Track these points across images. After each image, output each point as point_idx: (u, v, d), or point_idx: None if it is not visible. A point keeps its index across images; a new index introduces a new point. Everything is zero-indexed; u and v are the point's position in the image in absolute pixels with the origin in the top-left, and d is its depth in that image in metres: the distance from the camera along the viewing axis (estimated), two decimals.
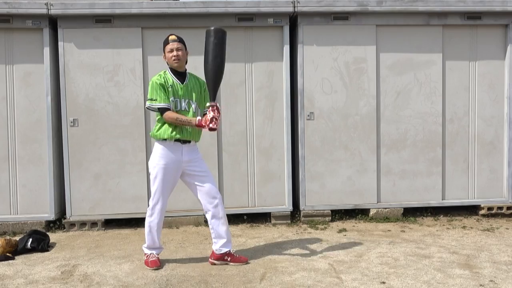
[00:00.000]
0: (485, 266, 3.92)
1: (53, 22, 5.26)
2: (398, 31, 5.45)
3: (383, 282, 3.61)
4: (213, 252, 4.07)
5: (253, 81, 5.41)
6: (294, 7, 5.24)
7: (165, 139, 3.88)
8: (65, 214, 5.33)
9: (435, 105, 5.52)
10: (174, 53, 3.88)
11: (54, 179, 5.28)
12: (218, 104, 3.78)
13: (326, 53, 5.38)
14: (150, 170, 3.96)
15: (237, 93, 5.38)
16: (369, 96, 5.44)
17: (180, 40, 3.95)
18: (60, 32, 5.20)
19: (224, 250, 4.02)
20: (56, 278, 3.84)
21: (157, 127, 3.92)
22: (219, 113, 3.75)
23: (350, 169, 5.46)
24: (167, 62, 3.98)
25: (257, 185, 5.43)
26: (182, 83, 3.94)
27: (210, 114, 3.71)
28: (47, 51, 5.20)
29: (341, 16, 5.35)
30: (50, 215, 5.26)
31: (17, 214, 5.27)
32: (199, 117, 3.80)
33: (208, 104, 3.76)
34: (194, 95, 3.97)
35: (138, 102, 5.28)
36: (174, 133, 3.86)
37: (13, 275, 3.92)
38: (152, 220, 3.99)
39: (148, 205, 4.02)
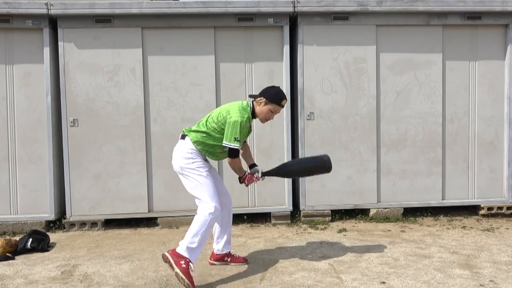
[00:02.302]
0: (485, 266, 3.92)
1: (53, 22, 5.26)
2: (398, 31, 5.45)
3: (383, 282, 3.61)
4: (213, 252, 4.07)
5: (253, 81, 5.41)
6: (294, 7, 5.24)
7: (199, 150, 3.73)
8: (65, 214, 5.33)
9: (435, 105, 5.52)
10: (273, 116, 3.77)
11: (54, 179, 5.28)
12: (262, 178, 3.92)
13: (326, 53, 5.38)
14: (192, 173, 3.67)
15: (237, 93, 5.38)
16: (369, 96, 5.44)
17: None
18: (60, 32, 5.20)
19: (226, 251, 4.03)
20: (56, 278, 3.84)
21: (204, 138, 3.70)
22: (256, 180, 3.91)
23: (350, 169, 5.46)
24: (257, 103, 3.72)
25: (257, 185, 5.42)
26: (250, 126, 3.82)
27: (258, 176, 3.87)
28: (47, 51, 5.20)
29: (341, 16, 5.35)
30: (50, 215, 5.26)
31: (17, 214, 5.27)
32: (247, 173, 3.86)
33: (259, 175, 3.88)
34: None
35: (138, 102, 5.28)
36: (208, 154, 3.77)
37: (13, 275, 3.92)
38: (214, 217, 3.64)
39: (204, 204, 3.65)
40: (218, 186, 3.89)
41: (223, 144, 3.65)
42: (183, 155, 3.70)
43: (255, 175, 3.88)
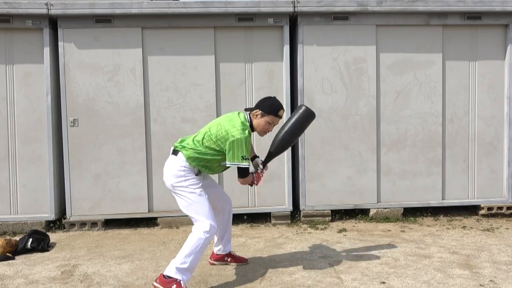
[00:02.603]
0: (485, 266, 3.92)
1: (53, 22, 5.26)
2: (398, 31, 5.45)
3: (383, 282, 3.61)
4: (213, 252, 4.07)
5: (253, 81, 5.41)
6: (294, 7, 5.24)
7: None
8: (65, 214, 5.33)
9: (435, 105, 5.52)
10: (271, 128, 3.60)
11: (54, 179, 5.28)
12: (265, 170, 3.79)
13: (326, 53, 5.38)
14: (184, 191, 3.52)
15: (237, 93, 5.38)
16: (369, 96, 5.44)
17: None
18: (60, 32, 5.20)
19: (226, 251, 4.03)
20: (56, 278, 3.84)
21: (197, 154, 3.53)
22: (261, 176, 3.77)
23: (350, 169, 5.46)
24: (254, 116, 3.57)
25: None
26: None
27: (261, 176, 3.74)
28: (47, 51, 5.20)
29: (341, 16, 5.35)
30: (50, 215, 5.26)
31: (17, 214, 5.27)
32: (254, 174, 3.69)
33: (261, 167, 3.74)
34: None
35: (138, 102, 5.28)
36: (203, 168, 3.61)
37: (13, 275, 3.92)
38: (209, 236, 3.46)
39: (200, 223, 3.49)
40: (217, 193, 3.82)
41: (228, 165, 3.49)
42: (175, 172, 3.53)
43: (259, 170, 3.73)
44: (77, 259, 4.29)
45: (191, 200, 3.49)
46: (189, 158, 3.53)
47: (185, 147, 3.57)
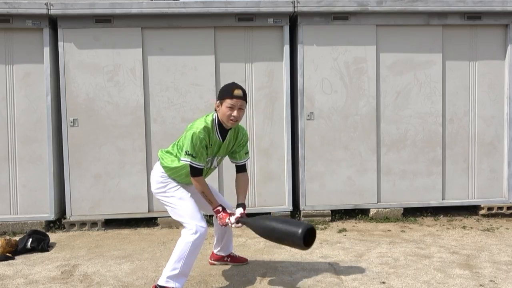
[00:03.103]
0: (485, 266, 3.92)
1: (53, 22, 5.27)
2: (398, 31, 5.45)
3: (383, 282, 3.61)
4: (213, 252, 4.07)
5: (253, 81, 5.41)
6: (294, 7, 5.24)
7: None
8: (65, 214, 5.33)
9: (435, 105, 5.52)
10: (235, 113, 3.29)
11: (54, 179, 5.28)
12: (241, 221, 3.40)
13: (326, 53, 5.38)
14: (165, 197, 3.45)
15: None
16: (369, 96, 5.44)
17: (244, 96, 3.35)
18: (60, 32, 5.20)
19: (228, 253, 4.03)
20: (56, 278, 3.84)
21: (172, 162, 3.42)
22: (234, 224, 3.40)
23: (350, 169, 5.46)
24: (216, 110, 3.37)
25: (257, 185, 5.42)
26: (223, 140, 3.42)
27: (230, 220, 3.37)
28: (47, 51, 5.20)
29: (341, 16, 5.35)
30: (50, 215, 5.26)
31: (17, 214, 5.27)
32: (219, 208, 3.39)
33: (238, 214, 3.38)
34: (225, 150, 3.50)
35: (138, 102, 5.28)
36: (181, 180, 3.49)
37: (13, 275, 3.92)
38: (197, 237, 3.29)
39: (186, 225, 3.36)
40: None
41: (184, 161, 3.30)
42: (155, 179, 3.50)
43: (229, 217, 3.37)
44: (77, 259, 4.29)
45: (172, 204, 3.43)
46: (165, 168, 3.47)
47: (166, 153, 3.51)
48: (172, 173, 3.46)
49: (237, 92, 3.30)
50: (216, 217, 3.47)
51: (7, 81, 5.22)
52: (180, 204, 3.40)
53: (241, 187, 3.58)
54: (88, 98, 5.26)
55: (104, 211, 5.31)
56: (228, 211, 3.47)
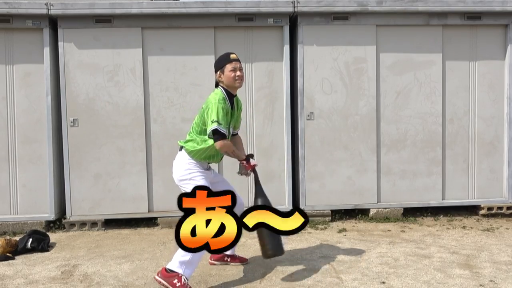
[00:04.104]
0: (485, 266, 3.92)
1: (53, 22, 5.27)
2: (398, 31, 5.45)
3: (383, 282, 3.61)
4: None
5: (253, 81, 5.41)
6: (294, 7, 5.24)
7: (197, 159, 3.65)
8: (65, 214, 5.33)
9: (435, 105, 5.52)
10: (238, 73, 3.61)
11: (54, 179, 5.28)
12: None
13: (326, 53, 5.38)
14: (188, 184, 3.58)
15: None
16: (369, 96, 5.44)
17: (239, 60, 3.71)
18: (60, 32, 5.20)
19: (231, 253, 4.05)
20: (56, 278, 3.84)
21: (197, 145, 3.61)
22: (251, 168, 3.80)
23: (350, 169, 5.46)
24: (220, 81, 3.66)
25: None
26: (232, 108, 3.70)
27: (253, 162, 3.78)
28: (47, 51, 5.20)
29: (341, 16, 5.35)
30: (50, 215, 5.26)
31: (17, 214, 5.27)
32: (245, 161, 3.75)
33: (255, 162, 3.82)
34: (234, 118, 3.78)
35: (138, 102, 5.28)
36: (208, 159, 3.69)
37: (13, 275, 3.92)
38: None
39: None
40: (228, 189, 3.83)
41: (208, 133, 3.55)
42: (181, 166, 3.63)
43: (251, 169, 3.78)
44: (77, 259, 4.29)
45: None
46: (191, 153, 3.62)
47: (186, 142, 3.68)
48: (199, 154, 3.61)
49: (233, 56, 3.65)
50: (244, 167, 3.78)
51: (7, 81, 5.22)
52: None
53: (240, 144, 3.95)
54: (88, 98, 5.26)
55: (104, 211, 5.31)
56: (252, 162, 3.80)
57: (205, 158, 3.66)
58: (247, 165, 3.78)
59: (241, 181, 5.40)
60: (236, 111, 3.79)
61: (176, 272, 3.40)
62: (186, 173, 3.61)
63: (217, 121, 3.47)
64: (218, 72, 3.65)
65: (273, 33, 5.38)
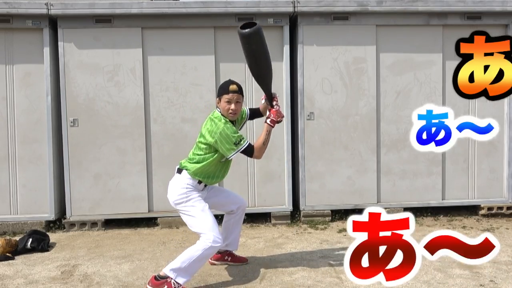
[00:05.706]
0: (485, 266, 3.92)
1: (53, 22, 5.26)
2: (398, 31, 5.44)
3: None
4: None
5: (253, 81, 5.38)
6: (294, 7, 5.24)
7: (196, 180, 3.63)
8: (65, 214, 5.33)
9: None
10: (232, 106, 3.56)
11: (54, 179, 5.28)
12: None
13: (326, 53, 5.38)
14: (186, 208, 3.57)
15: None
16: (369, 96, 5.44)
17: (240, 91, 3.64)
18: (60, 32, 5.20)
19: (233, 249, 4.05)
20: (56, 278, 3.84)
21: (198, 163, 3.59)
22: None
23: (350, 169, 5.46)
24: (217, 107, 3.67)
25: (257, 185, 5.43)
26: (233, 123, 3.71)
27: (276, 107, 3.69)
28: (47, 51, 5.20)
29: (341, 16, 5.35)
30: (50, 215, 5.26)
31: (17, 214, 5.27)
32: (269, 119, 3.64)
33: (272, 103, 3.71)
34: (238, 127, 3.82)
35: (138, 102, 5.28)
36: (207, 179, 3.67)
37: (13, 275, 3.92)
38: (211, 247, 3.42)
39: (204, 235, 3.46)
40: (228, 197, 3.92)
41: (229, 158, 3.56)
42: (178, 190, 3.60)
43: (274, 107, 3.68)
44: (77, 259, 4.29)
45: (193, 215, 3.54)
46: (193, 173, 3.59)
47: (187, 163, 3.65)
48: (201, 172, 3.59)
49: (232, 87, 3.61)
50: (277, 120, 3.68)
51: (7, 81, 5.22)
52: (202, 216, 3.52)
53: (255, 110, 4.06)
54: (88, 98, 5.26)
55: (104, 211, 5.31)
56: (275, 107, 3.70)
57: (205, 178, 3.63)
58: (274, 110, 3.68)
59: (241, 181, 5.41)
60: (239, 122, 3.86)
61: (169, 277, 3.38)
62: (183, 197, 3.58)
63: (235, 143, 3.47)
64: (217, 98, 3.67)
65: (273, 33, 5.38)
